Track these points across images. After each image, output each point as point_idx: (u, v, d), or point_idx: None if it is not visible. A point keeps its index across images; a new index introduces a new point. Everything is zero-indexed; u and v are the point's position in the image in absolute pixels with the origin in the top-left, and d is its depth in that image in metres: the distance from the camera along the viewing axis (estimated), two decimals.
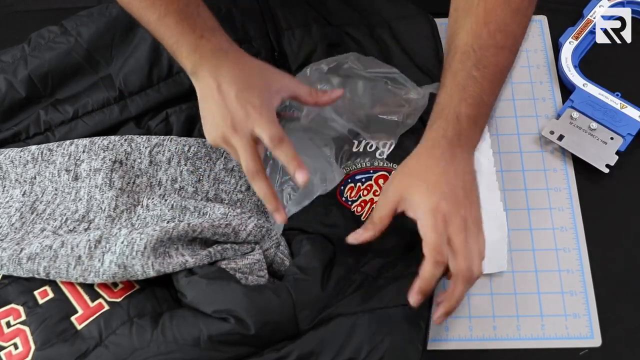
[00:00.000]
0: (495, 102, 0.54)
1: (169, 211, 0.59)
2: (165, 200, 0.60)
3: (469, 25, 0.52)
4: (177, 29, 0.55)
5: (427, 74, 0.68)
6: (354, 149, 0.65)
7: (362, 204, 0.62)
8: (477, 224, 0.52)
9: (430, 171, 0.52)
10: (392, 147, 0.65)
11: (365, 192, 0.63)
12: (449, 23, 0.56)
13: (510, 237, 0.62)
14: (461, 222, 0.50)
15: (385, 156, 0.65)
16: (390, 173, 0.63)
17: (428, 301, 0.55)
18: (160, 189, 0.62)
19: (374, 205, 0.61)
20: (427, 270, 0.50)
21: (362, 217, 0.62)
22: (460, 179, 0.52)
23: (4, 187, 0.64)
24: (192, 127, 0.67)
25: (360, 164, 0.65)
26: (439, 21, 0.71)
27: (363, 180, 0.64)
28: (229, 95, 0.54)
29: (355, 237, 0.54)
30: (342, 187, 0.64)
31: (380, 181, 0.63)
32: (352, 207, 0.62)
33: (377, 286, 0.56)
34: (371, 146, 0.65)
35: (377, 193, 0.62)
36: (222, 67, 0.55)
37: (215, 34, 0.57)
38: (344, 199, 0.63)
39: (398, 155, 0.64)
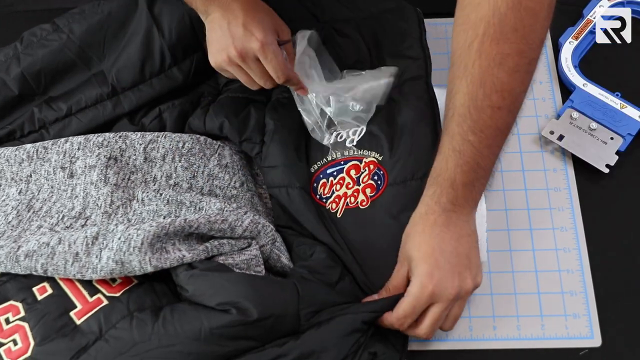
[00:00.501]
0: (495, 163, 0.54)
1: (165, 206, 0.59)
2: (161, 194, 0.60)
3: (465, 86, 0.50)
4: None
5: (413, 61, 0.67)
6: (325, 142, 0.65)
7: (337, 199, 0.62)
8: (470, 289, 0.53)
9: (425, 239, 0.53)
10: (361, 134, 0.64)
11: (338, 186, 0.62)
12: (448, 79, 0.53)
13: (511, 237, 0.62)
14: (450, 292, 0.52)
15: (355, 143, 0.64)
16: (361, 162, 0.62)
17: None
18: (155, 184, 0.62)
19: (347, 200, 0.61)
20: (384, 321, 0.54)
21: (337, 214, 0.61)
22: (456, 243, 0.53)
23: (0, 185, 0.64)
24: (185, 123, 0.68)
25: (332, 156, 0.64)
26: (429, 21, 0.71)
27: (335, 174, 0.63)
28: (236, 24, 0.58)
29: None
30: (314, 185, 0.63)
31: (352, 172, 0.62)
32: (327, 204, 0.62)
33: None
34: (341, 136, 0.65)
35: (349, 186, 0.62)
36: (232, 2, 0.59)
37: None
38: (318, 196, 0.63)
39: (367, 141, 0.64)
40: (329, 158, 0.64)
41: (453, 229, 0.53)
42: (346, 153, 0.64)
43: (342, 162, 0.63)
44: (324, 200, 0.62)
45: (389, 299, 0.54)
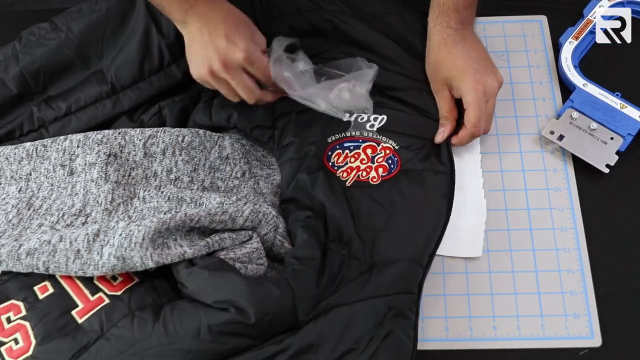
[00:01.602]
0: None
1: (165, 203, 0.59)
2: (162, 191, 0.60)
3: None
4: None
5: (417, 58, 0.68)
6: (345, 119, 0.65)
7: (348, 170, 0.63)
8: (501, 82, 0.63)
9: (456, 57, 0.62)
10: (382, 122, 0.66)
11: (353, 159, 0.64)
12: None
13: (511, 237, 0.62)
14: (494, 86, 0.62)
15: (375, 129, 0.65)
16: (378, 144, 0.64)
17: (417, 294, 0.56)
18: (155, 180, 0.62)
19: (360, 173, 0.63)
20: (464, 138, 0.63)
21: (347, 183, 0.62)
22: (478, 51, 0.63)
23: (0, 184, 0.63)
24: (185, 119, 0.68)
25: (351, 133, 0.65)
26: None
27: (351, 147, 0.65)
28: (217, 35, 0.59)
29: (441, 136, 0.64)
30: (329, 153, 0.64)
31: (368, 151, 0.64)
32: (338, 172, 0.63)
33: (371, 274, 0.56)
34: (362, 118, 0.66)
35: (364, 161, 0.63)
36: (210, 13, 0.59)
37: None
38: (330, 164, 0.64)
39: (387, 131, 0.65)
40: (348, 134, 0.65)
41: (469, 42, 0.63)
42: (365, 134, 0.65)
43: (360, 140, 0.65)
44: (336, 168, 0.63)
45: (374, 282, 0.55)
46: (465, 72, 0.61)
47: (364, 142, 0.65)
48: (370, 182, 0.62)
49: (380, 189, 0.62)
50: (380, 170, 0.63)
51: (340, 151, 0.64)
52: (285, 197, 0.63)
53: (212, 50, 0.58)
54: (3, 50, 0.68)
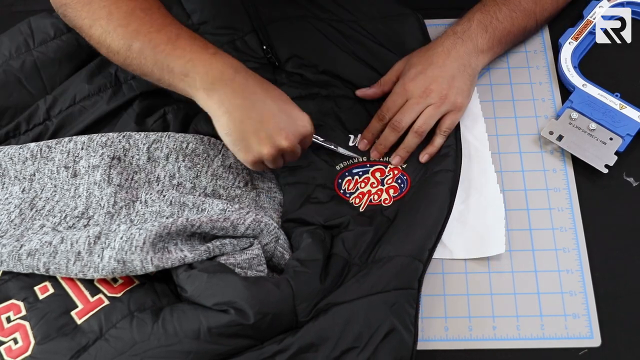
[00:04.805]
0: (510, 29, 0.66)
1: (167, 207, 0.59)
2: (164, 196, 0.60)
3: None
4: (191, 48, 0.55)
5: None
6: (350, 143, 0.67)
7: (360, 195, 0.64)
8: (460, 106, 0.64)
9: (429, 53, 0.65)
10: None
11: (363, 184, 0.64)
12: None
13: (510, 237, 0.62)
14: (420, 91, 0.63)
15: None
16: (386, 167, 0.65)
17: (417, 289, 0.56)
18: (158, 184, 0.62)
19: (371, 197, 0.63)
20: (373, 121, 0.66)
21: (360, 209, 0.63)
22: (454, 65, 0.64)
23: (3, 184, 0.64)
24: (188, 125, 0.68)
25: (358, 159, 0.66)
26: (428, 22, 0.73)
27: (360, 173, 0.65)
28: (264, 120, 0.55)
29: (362, 91, 0.68)
30: (339, 181, 0.65)
31: (377, 174, 0.65)
32: (350, 199, 0.64)
33: (369, 271, 0.57)
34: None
35: (374, 185, 0.64)
36: (248, 87, 0.55)
37: (225, 53, 0.57)
38: (342, 191, 0.64)
39: (392, 151, 0.66)
40: (355, 160, 0.66)
41: (455, 53, 0.64)
42: (372, 158, 0.66)
43: (367, 165, 0.65)
44: (348, 195, 0.64)
45: (373, 279, 0.55)
46: (415, 67, 0.64)
47: (372, 166, 0.65)
48: (383, 204, 0.63)
49: (393, 210, 0.62)
50: (391, 191, 0.63)
51: (350, 178, 0.65)
52: (290, 217, 0.63)
53: (260, 135, 0.55)
54: (16, 45, 0.69)
